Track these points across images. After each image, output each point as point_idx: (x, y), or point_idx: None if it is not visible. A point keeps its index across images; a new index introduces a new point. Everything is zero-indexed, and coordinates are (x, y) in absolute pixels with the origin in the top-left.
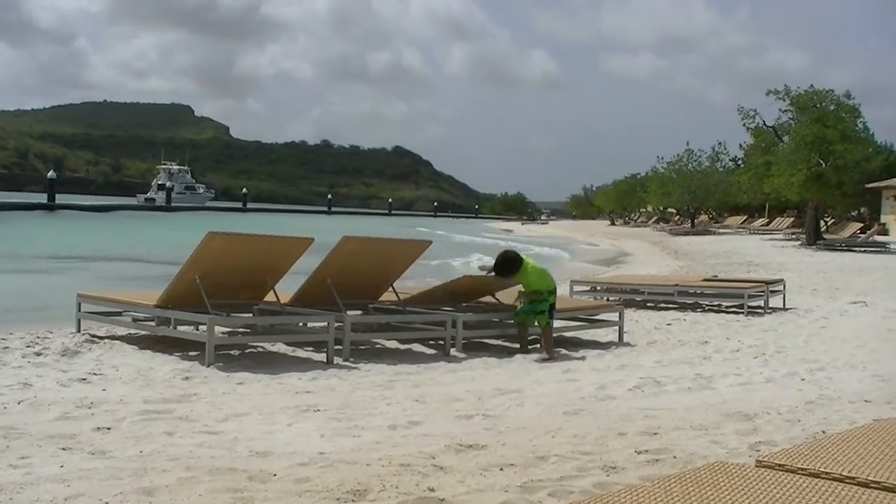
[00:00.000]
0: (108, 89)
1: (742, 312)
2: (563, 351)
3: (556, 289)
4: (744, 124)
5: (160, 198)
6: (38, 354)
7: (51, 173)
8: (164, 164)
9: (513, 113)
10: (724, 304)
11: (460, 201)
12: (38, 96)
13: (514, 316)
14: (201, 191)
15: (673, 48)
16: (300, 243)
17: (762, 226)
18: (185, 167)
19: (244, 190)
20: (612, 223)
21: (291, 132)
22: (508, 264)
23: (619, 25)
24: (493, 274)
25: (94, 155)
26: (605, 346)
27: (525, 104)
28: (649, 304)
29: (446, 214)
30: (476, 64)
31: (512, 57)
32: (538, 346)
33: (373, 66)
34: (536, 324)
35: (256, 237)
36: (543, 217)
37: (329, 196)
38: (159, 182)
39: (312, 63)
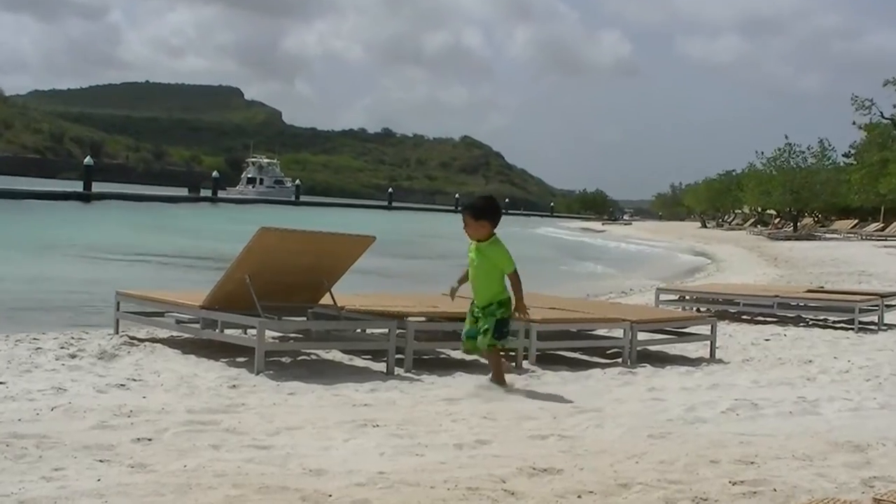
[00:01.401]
0: (145, 69)
1: (852, 328)
2: (648, 367)
3: (507, 301)
4: (854, 122)
5: (250, 191)
6: (73, 357)
7: (87, 159)
8: (254, 158)
9: (583, 101)
10: (832, 318)
11: (534, 198)
12: (72, 76)
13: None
14: (289, 185)
15: (758, 30)
16: (361, 242)
17: (876, 231)
18: (275, 160)
19: (296, 181)
20: (704, 225)
21: (345, 119)
22: (491, 208)
23: (697, 4)
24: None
25: (135, 140)
26: (694, 362)
27: (596, 92)
28: (745, 317)
29: (518, 212)
30: (541, 47)
31: (580, 40)
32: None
33: (428, 48)
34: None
35: (313, 234)
36: (626, 217)
37: (390, 190)
38: (248, 175)
39: (363, 43)
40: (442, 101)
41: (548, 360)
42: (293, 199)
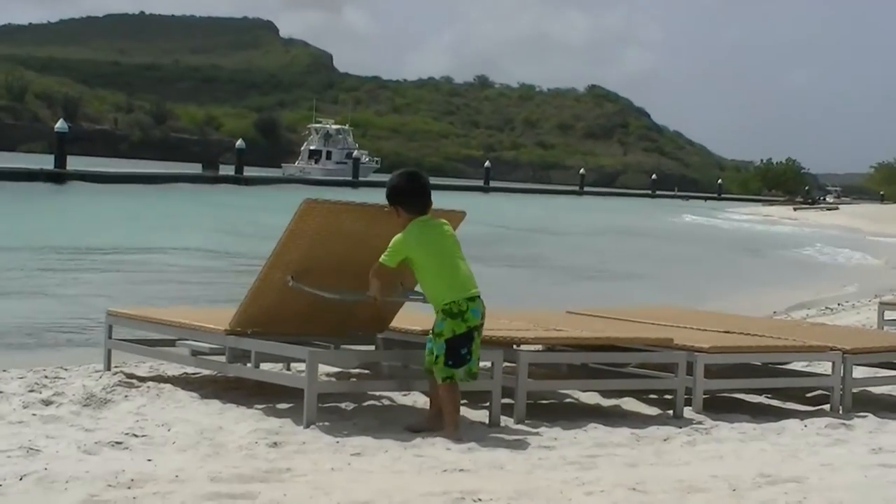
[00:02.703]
0: None
1: None
2: (871, 417)
3: (478, 301)
4: None
5: (313, 169)
6: (48, 403)
7: (59, 124)
8: (319, 123)
9: (762, 27)
10: None
11: (694, 172)
12: (36, 5)
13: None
14: (365, 160)
15: None
16: (446, 219)
17: None
18: (346, 126)
19: (354, 153)
20: None
21: (420, 63)
22: (395, 189)
23: None
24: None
25: (126, 97)
26: None
27: (782, 13)
28: None
29: (671, 193)
30: None
31: None
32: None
33: None
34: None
35: (378, 209)
36: (829, 198)
37: (487, 164)
38: (311, 147)
39: None
40: (553, 36)
41: (721, 406)
42: (367, 178)
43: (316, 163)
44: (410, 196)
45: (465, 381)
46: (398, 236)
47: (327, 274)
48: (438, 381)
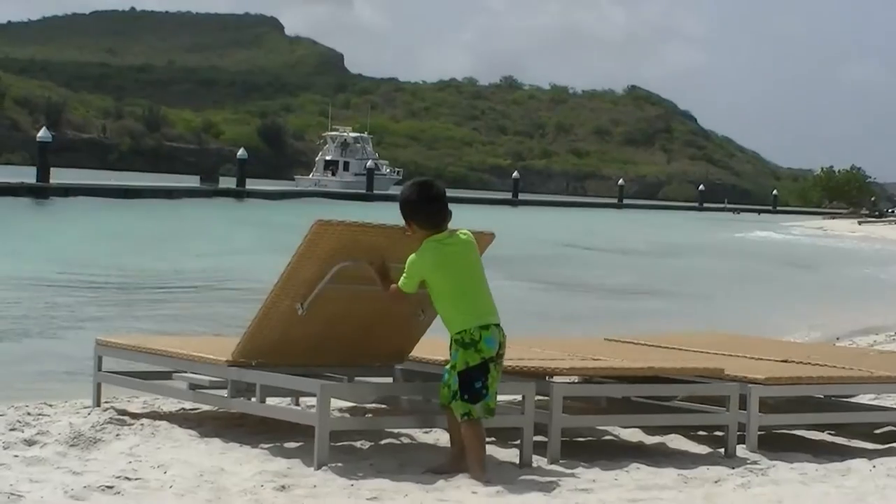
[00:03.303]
0: None
1: None
2: None
3: (494, 329)
4: None
5: (330, 181)
6: (31, 443)
7: (42, 132)
8: (335, 130)
9: (815, 20)
10: None
11: (747, 183)
12: (15, 1)
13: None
14: (386, 171)
15: None
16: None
17: None
18: (366, 134)
19: (369, 163)
20: None
21: (439, 63)
22: (408, 202)
23: None
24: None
25: (115, 101)
26: None
27: (833, 4)
28: None
29: (720, 206)
30: None
31: None
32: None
33: None
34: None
35: (396, 230)
36: None
37: (515, 174)
38: (327, 157)
39: None
40: (589, 31)
41: (778, 444)
42: (387, 191)
43: (333, 174)
44: (424, 209)
45: (484, 417)
46: (412, 257)
47: (338, 307)
48: (457, 417)
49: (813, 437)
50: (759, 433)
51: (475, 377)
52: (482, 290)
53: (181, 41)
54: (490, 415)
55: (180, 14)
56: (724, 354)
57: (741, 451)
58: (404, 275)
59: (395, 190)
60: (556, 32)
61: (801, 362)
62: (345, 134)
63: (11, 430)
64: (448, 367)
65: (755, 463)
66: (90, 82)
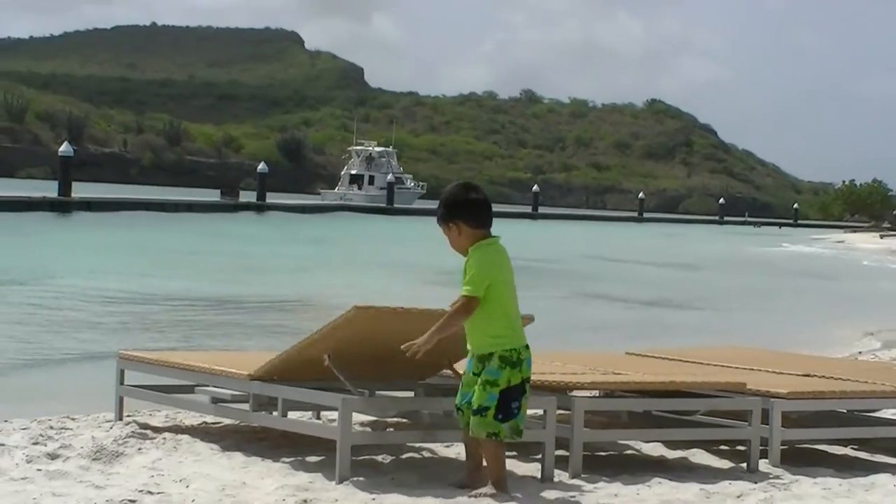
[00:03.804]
0: (150, 4)
1: None
2: None
3: (527, 351)
4: None
5: (356, 195)
6: (54, 457)
7: (64, 147)
8: (360, 145)
9: (834, 32)
10: None
11: (767, 196)
12: (38, 17)
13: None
14: (410, 185)
15: None
16: None
17: None
18: (391, 148)
19: (389, 177)
20: None
21: (458, 77)
22: (456, 202)
23: None
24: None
25: (136, 116)
26: None
27: (854, 12)
28: None
29: (740, 219)
30: None
31: None
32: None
33: None
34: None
35: (432, 314)
36: None
37: (535, 188)
38: (352, 171)
39: None
40: (608, 44)
41: (801, 459)
42: (411, 205)
43: (359, 188)
44: (473, 207)
45: (510, 439)
46: (475, 258)
47: (368, 354)
48: (481, 435)
49: (836, 452)
50: (781, 448)
51: (513, 397)
52: (517, 308)
53: (202, 56)
54: (519, 435)
55: (201, 29)
56: (745, 369)
57: (764, 465)
58: (468, 280)
59: (419, 204)
60: (575, 46)
61: (823, 377)
62: (370, 148)
63: (34, 443)
64: (477, 384)
65: (778, 478)
66: (111, 97)
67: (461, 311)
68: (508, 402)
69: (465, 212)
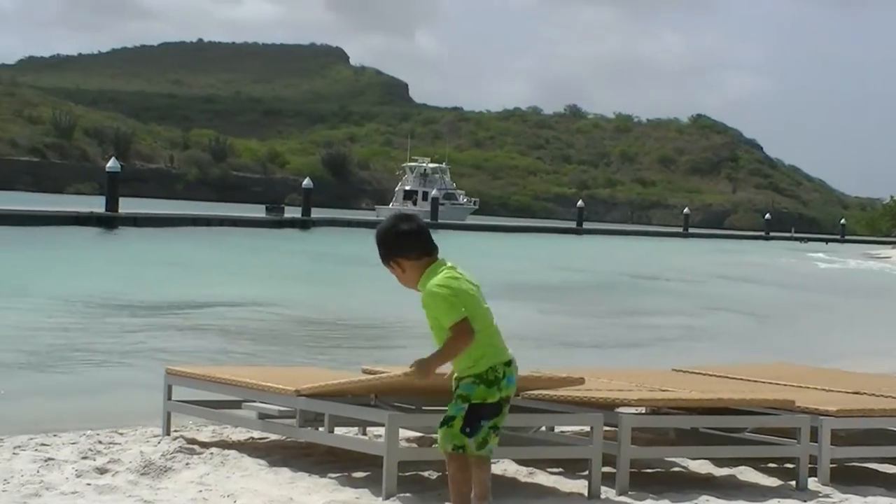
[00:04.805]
0: (195, 22)
1: None
2: None
3: (509, 369)
4: None
5: (411, 210)
6: (103, 472)
7: (111, 163)
8: (415, 162)
9: (880, 44)
10: None
11: (813, 211)
12: (85, 34)
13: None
14: (463, 200)
15: None
16: (562, 383)
17: None
18: (444, 164)
19: (434, 192)
20: None
21: (501, 92)
22: (389, 239)
23: None
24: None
25: (182, 132)
26: None
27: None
28: None
29: (786, 235)
30: None
31: None
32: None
33: None
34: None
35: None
36: None
37: (580, 203)
38: (406, 187)
39: None
40: (650, 59)
41: (851, 477)
42: (464, 220)
43: (414, 204)
44: (408, 238)
45: (477, 454)
46: (436, 287)
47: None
48: (447, 448)
49: (886, 471)
50: (830, 466)
51: (484, 415)
52: (493, 322)
53: (247, 72)
54: (487, 453)
55: (246, 45)
56: (794, 386)
57: (813, 484)
58: (445, 310)
59: (472, 219)
60: (618, 61)
61: (873, 394)
62: (424, 164)
63: (84, 458)
64: (455, 394)
65: (827, 496)
66: (158, 113)
67: (459, 339)
68: (478, 418)
69: (401, 247)
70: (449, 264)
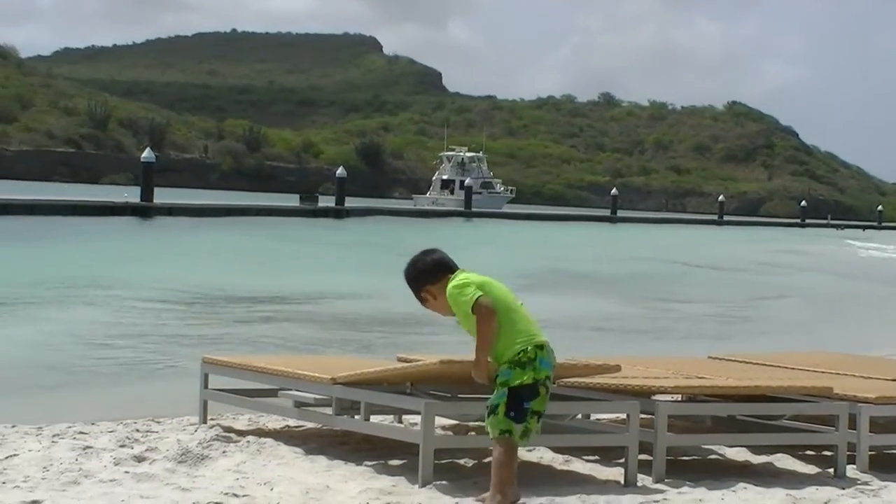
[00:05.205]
0: (229, 12)
1: None
2: None
3: (542, 351)
4: None
5: (447, 200)
6: (141, 460)
7: (146, 153)
8: (452, 151)
9: None
10: None
11: (850, 198)
12: (120, 26)
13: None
14: (500, 189)
15: None
16: (596, 369)
17: None
18: (481, 153)
19: (467, 181)
20: None
21: (535, 80)
22: (418, 273)
23: None
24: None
25: (217, 122)
26: None
27: None
28: None
29: (823, 222)
30: None
31: None
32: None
33: None
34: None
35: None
36: None
37: (614, 191)
38: (444, 177)
39: None
40: (686, 47)
41: (890, 465)
42: (501, 209)
43: (451, 193)
44: (432, 268)
45: (521, 442)
46: (450, 286)
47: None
48: (494, 434)
49: None
50: (869, 453)
51: (525, 396)
52: (523, 309)
53: (281, 62)
54: (528, 441)
55: (280, 35)
56: (832, 373)
57: (851, 471)
58: (464, 296)
59: (509, 208)
60: (652, 49)
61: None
62: (461, 153)
63: (121, 446)
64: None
65: (866, 484)
66: (192, 103)
67: (482, 319)
68: (520, 401)
69: (426, 278)
70: (462, 271)
